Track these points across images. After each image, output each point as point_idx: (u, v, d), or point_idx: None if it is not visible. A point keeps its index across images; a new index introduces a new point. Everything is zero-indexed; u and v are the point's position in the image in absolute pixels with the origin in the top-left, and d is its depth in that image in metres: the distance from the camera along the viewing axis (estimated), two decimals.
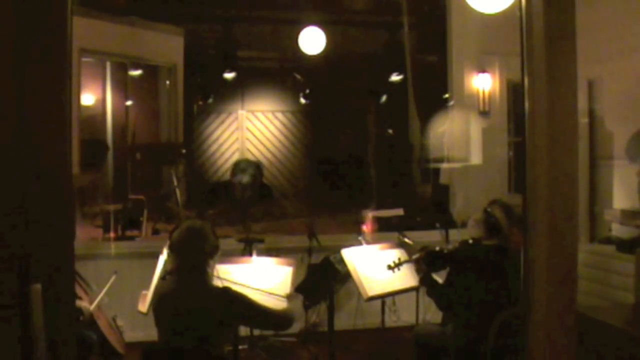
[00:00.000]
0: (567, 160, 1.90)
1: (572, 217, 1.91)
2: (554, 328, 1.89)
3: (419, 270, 3.70)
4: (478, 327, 3.30)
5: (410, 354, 3.91)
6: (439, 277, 3.84)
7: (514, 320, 3.11)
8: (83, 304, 3.76)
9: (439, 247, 3.83)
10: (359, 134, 11.47)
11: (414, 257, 3.76)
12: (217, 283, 3.09)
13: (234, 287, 2.99)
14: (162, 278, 3.32)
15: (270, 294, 3.40)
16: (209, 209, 8.06)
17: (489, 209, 3.54)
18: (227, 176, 7.92)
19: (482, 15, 3.99)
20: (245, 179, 5.62)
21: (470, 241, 3.61)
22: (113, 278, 3.94)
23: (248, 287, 3.35)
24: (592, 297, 4.69)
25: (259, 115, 11.09)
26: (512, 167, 6.60)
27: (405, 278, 4.00)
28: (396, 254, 4.21)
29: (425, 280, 3.66)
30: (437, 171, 7.15)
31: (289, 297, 3.33)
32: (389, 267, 3.75)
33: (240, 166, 5.68)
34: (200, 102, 10.23)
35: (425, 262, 3.70)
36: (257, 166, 5.88)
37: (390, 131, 10.89)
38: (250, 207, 6.06)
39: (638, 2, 4.92)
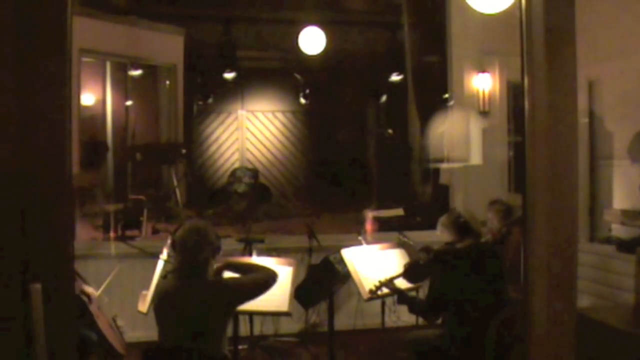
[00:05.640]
0: (567, 160, 1.90)
1: (572, 217, 1.91)
2: (554, 328, 1.89)
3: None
4: (469, 327, 3.31)
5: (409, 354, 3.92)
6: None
7: (510, 323, 3.13)
8: (89, 289, 3.79)
9: (415, 260, 3.86)
10: (359, 134, 11.46)
11: (393, 276, 3.75)
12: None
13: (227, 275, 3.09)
14: (164, 277, 3.33)
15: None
16: (209, 209, 8.06)
17: (455, 211, 3.60)
18: (227, 176, 7.92)
19: (482, 15, 3.98)
20: (241, 187, 5.65)
21: (443, 246, 3.62)
22: (117, 269, 4.04)
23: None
24: (592, 297, 4.70)
25: (259, 115, 11.09)
26: (512, 167, 6.59)
27: None
28: (396, 254, 4.22)
29: (401, 299, 3.67)
30: (437, 171, 7.14)
31: None
32: (371, 292, 3.71)
33: (236, 174, 5.71)
34: (200, 102, 10.23)
35: (405, 276, 3.77)
36: (253, 174, 5.89)
37: (390, 131, 10.88)
38: (245, 216, 6.08)
39: (638, 2, 4.92)
